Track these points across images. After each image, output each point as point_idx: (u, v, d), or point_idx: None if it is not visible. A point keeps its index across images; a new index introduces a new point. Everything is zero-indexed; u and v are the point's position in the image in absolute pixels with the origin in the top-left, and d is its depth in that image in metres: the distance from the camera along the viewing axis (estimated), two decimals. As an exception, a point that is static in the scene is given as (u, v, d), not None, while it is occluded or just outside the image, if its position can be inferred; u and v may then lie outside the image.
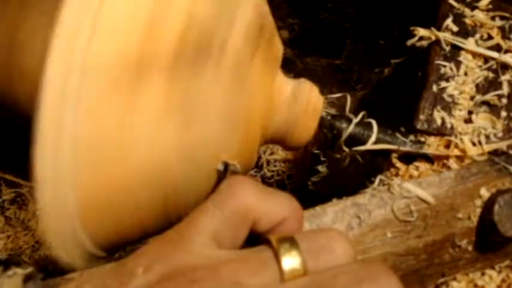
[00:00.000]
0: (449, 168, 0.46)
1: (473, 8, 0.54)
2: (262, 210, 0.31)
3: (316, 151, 0.55)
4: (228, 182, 0.32)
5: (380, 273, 0.29)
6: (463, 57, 0.51)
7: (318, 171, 0.56)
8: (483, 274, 0.45)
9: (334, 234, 0.30)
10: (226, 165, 0.40)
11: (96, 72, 0.35)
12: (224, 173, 0.40)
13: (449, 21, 0.53)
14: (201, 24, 0.38)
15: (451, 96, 0.50)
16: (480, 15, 0.53)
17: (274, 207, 0.32)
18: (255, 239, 0.31)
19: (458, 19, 0.54)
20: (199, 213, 0.31)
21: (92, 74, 0.35)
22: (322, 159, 0.55)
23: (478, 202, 0.44)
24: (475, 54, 0.52)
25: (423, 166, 0.47)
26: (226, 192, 0.31)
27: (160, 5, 0.36)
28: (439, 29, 0.53)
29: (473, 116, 0.49)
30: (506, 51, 0.51)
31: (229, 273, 0.28)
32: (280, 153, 0.83)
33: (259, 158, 0.82)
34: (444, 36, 0.52)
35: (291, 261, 0.29)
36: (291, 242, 0.29)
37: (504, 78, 0.50)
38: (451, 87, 0.50)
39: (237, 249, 0.31)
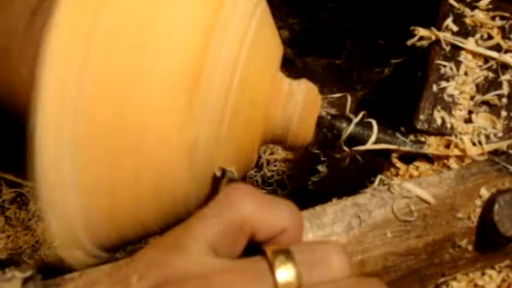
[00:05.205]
0: (449, 168, 0.46)
1: (473, 8, 0.54)
2: (260, 220, 0.30)
3: (316, 151, 0.55)
4: (226, 191, 0.31)
5: None
6: (463, 57, 0.51)
7: (318, 171, 0.56)
8: (483, 274, 0.45)
9: (332, 247, 0.30)
10: (223, 171, 0.40)
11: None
12: (221, 179, 0.40)
13: (449, 21, 0.53)
14: None
15: (451, 96, 0.50)
16: (480, 15, 0.53)
17: (273, 217, 0.31)
18: (256, 247, 0.31)
19: (458, 19, 0.54)
20: (196, 220, 0.31)
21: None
22: (322, 159, 0.55)
23: (478, 202, 0.44)
24: (475, 54, 0.52)
25: (423, 166, 0.47)
26: (224, 202, 0.31)
27: None
28: (439, 29, 0.53)
29: (473, 116, 0.49)
30: (506, 51, 0.51)
31: (223, 283, 0.28)
32: (280, 153, 0.83)
33: (259, 158, 0.82)
34: (444, 36, 0.52)
35: (285, 273, 0.28)
36: (287, 254, 0.29)
37: (504, 78, 0.50)
38: (451, 87, 0.50)
39: (234, 258, 0.31)
